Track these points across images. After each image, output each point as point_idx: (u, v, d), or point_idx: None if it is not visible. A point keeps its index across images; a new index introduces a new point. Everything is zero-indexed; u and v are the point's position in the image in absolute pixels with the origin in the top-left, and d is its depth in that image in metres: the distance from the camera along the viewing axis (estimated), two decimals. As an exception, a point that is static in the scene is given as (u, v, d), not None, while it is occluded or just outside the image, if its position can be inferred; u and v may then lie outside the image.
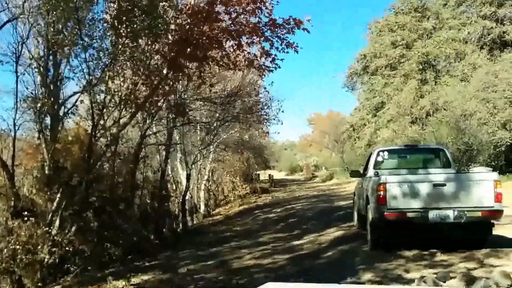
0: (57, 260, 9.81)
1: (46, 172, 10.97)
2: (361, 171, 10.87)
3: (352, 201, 12.20)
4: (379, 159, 9.97)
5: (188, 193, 21.25)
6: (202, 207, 25.01)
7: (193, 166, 22.33)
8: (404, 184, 7.94)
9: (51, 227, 10.17)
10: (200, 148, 21.56)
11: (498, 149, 21.49)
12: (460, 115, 22.04)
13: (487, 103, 22.07)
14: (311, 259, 9.05)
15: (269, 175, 36.76)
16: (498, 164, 19.44)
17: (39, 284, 9.33)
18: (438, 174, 8.67)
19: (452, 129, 21.41)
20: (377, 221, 8.17)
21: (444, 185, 7.87)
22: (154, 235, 14.99)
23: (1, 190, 10.27)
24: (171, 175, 22.29)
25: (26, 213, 9.93)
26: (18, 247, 9.37)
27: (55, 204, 10.45)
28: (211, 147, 23.50)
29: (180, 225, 19.24)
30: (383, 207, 7.88)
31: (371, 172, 9.52)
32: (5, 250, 9.32)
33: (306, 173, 43.29)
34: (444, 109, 24.42)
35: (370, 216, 8.53)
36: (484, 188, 7.77)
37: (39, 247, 9.64)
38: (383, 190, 7.89)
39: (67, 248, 10.07)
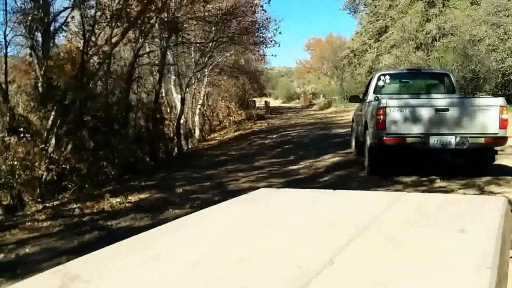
0: (54, 177, 10.00)
1: (40, 90, 10.87)
2: (360, 96, 10.67)
3: (350, 128, 12.08)
4: (380, 83, 9.70)
5: (182, 118, 21.10)
6: (197, 132, 24.94)
7: (187, 89, 22.04)
8: (405, 108, 7.72)
9: (47, 145, 10.24)
10: (194, 71, 21.16)
11: (506, 78, 20.39)
12: (468, 41, 21.05)
13: (497, 28, 20.88)
14: (307, 183, 9.01)
15: (265, 101, 36.55)
16: (506, 94, 18.60)
17: (38, 199, 9.49)
18: (441, 99, 8.41)
19: (458, 56, 20.62)
20: (375, 147, 8.05)
21: (447, 110, 7.66)
22: (149, 156, 15.03)
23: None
24: (165, 99, 22.06)
25: (21, 129, 9.95)
26: (16, 163, 9.50)
27: (50, 122, 10.49)
28: (206, 70, 23.11)
29: (175, 148, 19.23)
30: (382, 132, 7.72)
31: (371, 96, 9.31)
32: (4, 166, 9.41)
33: (303, 101, 43.04)
34: (451, 34, 23.34)
35: (368, 141, 8.40)
36: (489, 114, 7.54)
37: (37, 164, 9.78)
38: (382, 114, 7.70)
39: (63, 166, 10.22)
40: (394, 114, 7.71)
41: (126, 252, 1.54)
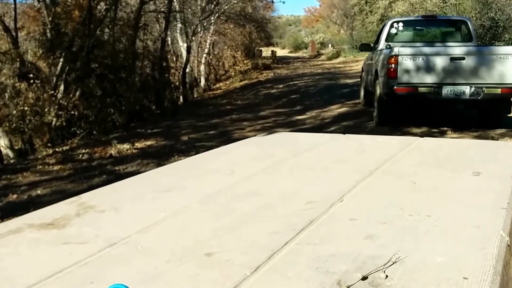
0: (63, 123, 10.12)
1: (48, 36, 10.82)
2: (372, 45, 10.42)
3: (359, 78, 11.91)
4: (393, 31, 9.34)
5: (188, 66, 20.91)
6: (203, 81, 24.75)
7: (193, 38, 21.75)
8: (418, 57, 7.47)
9: (56, 91, 10.31)
10: (200, 19, 20.81)
11: None
12: (488, -14, 20.28)
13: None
14: (314, 133, 8.96)
15: (272, 51, 36.05)
16: None
17: (48, 144, 9.61)
18: (457, 47, 8.02)
19: (477, 3, 19.77)
20: (385, 96, 7.88)
21: (462, 59, 7.39)
22: (155, 105, 15.02)
23: (6, 55, 10.23)
24: (171, 47, 21.83)
25: (31, 76, 9.99)
26: (26, 108, 9.58)
27: (58, 68, 10.50)
28: (212, 18, 22.73)
29: (181, 97, 19.16)
30: (393, 81, 7.52)
31: (382, 45, 9.05)
32: (15, 111, 9.51)
33: (311, 51, 42.36)
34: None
35: (378, 91, 8.23)
36: (507, 63, 7.20)
37: (46, 110, 9.86)
38: (394, 63, 7.48)
39: (72, 112, 10.32)
40: (407, 62, 7.48)
41: (139, 185, 1.56)
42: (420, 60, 7.44)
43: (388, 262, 0.93)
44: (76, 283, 0.91)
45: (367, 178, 1.54)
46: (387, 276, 0.88)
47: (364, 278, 0.88)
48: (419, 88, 7.44)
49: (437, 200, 1.30)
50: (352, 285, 0.86)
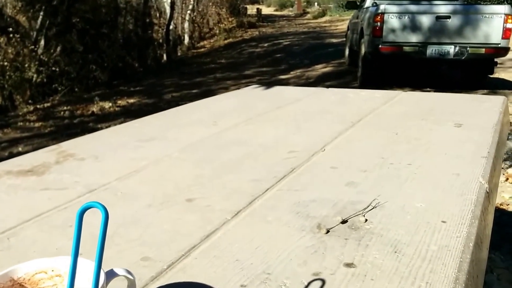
0: (44, 80, 9.97)
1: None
2: (358, 3, 10.33)
3: (344, 38, 11.84)
4: None
5: (172, 23, 20.57)
6: (187, 39, 24.39)
7: (178, -6, 21.38)
8: (404, 15, 7.45)
9: (37, 47, 10.11)
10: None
11: None
12: None
13: None
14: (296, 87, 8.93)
15: (257, 9, 35.56)
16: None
17: (29, 101, 9.49)
18: (443, 6, 8.00)
19: None
20: (370, 55, 7.89)
21: (448, 17, 7.39)
22: (138, 62, 14.84)
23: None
24: (154, 3, 21.42)
25: (10, 30, 9.76)
26: (6, 64, 9.40)
27: (38, 23, 10.28)
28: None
29: (164, 55, 18.91)
30: (379, 39, 7.52)
31: (368, 2, 8.99)
32: (-6, 66, 9.35)
33: (296, 9, 41.87)
34: None
35: (363, 50, 8.22)
36: (492, 23, 7.25)
37: (26, 65, 9.69)
38: (380, 21, 7.46)
39: (53, 68, 10.17)
40: (393, 21, 7.45)
41: (121, 135, 1.54)
42: (406, 19, 7.43)
43: (368, 207, 0.94)
44: (55, 226, 0.91)
45: (349, 129, 1.54)
46: (366, 220, 0.89)
47: (344, 221, 0.89)
48: (404, 47, 7.46)
49: (419, 150, 1.30)
50: (332, 228, 0.86)
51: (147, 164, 1.25)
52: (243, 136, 1.49)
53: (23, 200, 1.04)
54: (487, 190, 1.03)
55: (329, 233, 0.85)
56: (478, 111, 1.77)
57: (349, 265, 0.74)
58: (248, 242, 0.83)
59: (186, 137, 1.49)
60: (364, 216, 0.91)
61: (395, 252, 0.78)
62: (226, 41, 23.30)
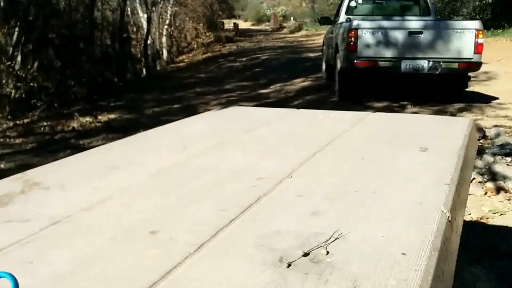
0: (23, 95, 9.92)
1: (2, 5, 10.50)
2: (332, 18, 10.44)
3: (321, 52, 11.95)
4: (352, 4, 9.38)
5: (150, 38, 20.56)
6: (165, 54, 24.40)
7: (153, 8, 21.37)
8: (378, 31, 7.55)
9: (13, 62, 10.04)
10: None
11: (484, 1, 19.19)
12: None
13: None
14: (277, 107, 8.95)
15: (234, 23, 35.74)
16: (483, 18, 17.72)
17: (9, 117, 9.40)
18: (415, 21, 8.18)
19: None
20: (346, 70, 7.96)
21: (420, 33, 7.50)
22: (117, 77, 14.79)
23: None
24: (131, 18, 21.40)
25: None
26: (-18, 82, 9.31)
27: (14, 39, 10.22)
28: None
29: (144, 70, 18.89)
30: (353, 55, 7.60)
31: (342, 18, 9.09)
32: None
33: (273, 24, 42.16)
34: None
35: (339, 65, 8.30)
36: (464, 38, 7.37)
37: (4, 81, 9.62)
38: (354, 36, 7.54)
39: (31, 84, 10.15)
40: (366, 36, 7.55)
41: (87, 162, 1.53)
42: (379, 34, 7.53)
43: (330, 238, 0.94)
44: (16, 263, 0.90)
45: (317, 154, 1.55)
46: (328, 253, 0.89)
47: (306, 254, 0.89)
48: (379, 62, 7.55)
49: (384, 176, 1.32)
50: (293, 261, 0.87)
51: (112, 193, 1.24)
52: (211, 162, 1.49)
53: (-16, 234, 1.03)
54: (449, 218, 1.05)
55: (290, 267, 0.85)
56: (444, 134, 1.79)
57: (308, 302, 0.75)
58: (210, 277, 0.82)
59: (153, 163, 1.48)
60: (326, 248, 0.91)
61: (354, 287, 0.78)
62: (204, 56, 23.35)
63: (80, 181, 1.35)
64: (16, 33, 10.32)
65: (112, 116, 8.90)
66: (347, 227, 0.99)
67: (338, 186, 1.24)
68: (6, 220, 1.09)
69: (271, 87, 11.45)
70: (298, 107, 8.72)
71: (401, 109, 7.66)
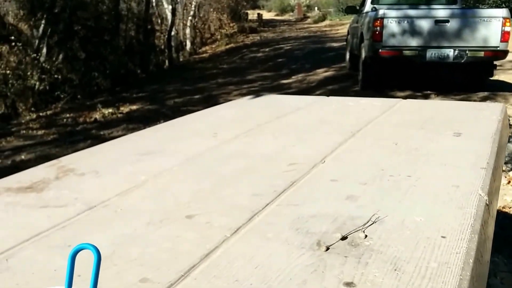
0: (47, 87, 10.05)
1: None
2: (357, 7, 10.35)
3: (344, 42, 11.85)
4: None
5: (173, 29, 20.62)
6: (188, 45, 24.45)
7: (178, 0, 21.42)
8: (404, 20, 7.49)
9: (39, 54, 10.18)
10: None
11: None
12: None
13: None
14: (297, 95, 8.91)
15: (258, 14, 35.62)
16: (510, 7, 17.61)
17: (32, 109, 9.56)
18: (441, 10, 8.05)
19: None
20: (370, 60, 7.91)
21: (447, 21, 7.41)
22: (140, 68, 14.88)
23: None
24: (156, 9, 21.48)
25: (13, 38, 9.85)
26: (8, 72, 9.47)
27: (40, 31, 10.35)
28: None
29: (166, 61, 18.96)
30: (378, 44, 7.54)
31: (368, 7, 9.00)
32: (-4, 74, 9.44)
33: (297, 14, 41.90)
34: None
35: (363, 54, 8.24)
36: (490, 26, 7.27)
37: (29, 73, 9.78)
38: (379, 25, 7.48)
39: (56, 76, 10.24)
40: (392, 25, 7.49)
41: (120, 148, 1.54)
42: (405, 23, 7.46)
43: (368, 222, 0.94)
44: (54, 246, 0.91)
45: (349, 139, 1.54)
46: (366, 236, 0.89)
47: (344, 238, 0.88)
48: (404, 51, 7.49)
49: (418, 161, 1.30)
50: (331, 245, 0.86)
51: (146, 178, 1.25)
52: (243, 148, 1.49)
53: (22, 218, 1.04)
54: (487, 202, 1.03)
55: (328, 251, 0.85)
56: (477, 119, 1.76)
57: (349, 284, 0.74)
58: (248, 260, 0.82)
59: (185, 150, 1.49)
60: (364, 232, 0.90)
61: (395, 270, 0.77)
62: (227, 46, 23.33)
63: (114, 167, 1.36)
64: (42, 25, 10.44)
65: (134, 107, 8.97)
66: (384, 211, 0.99)
67: (372, 170, 1.23)
68: (43, 205, 1.11)
69: (293, 77, 11.40)
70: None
71: (424, 98, 7.55)
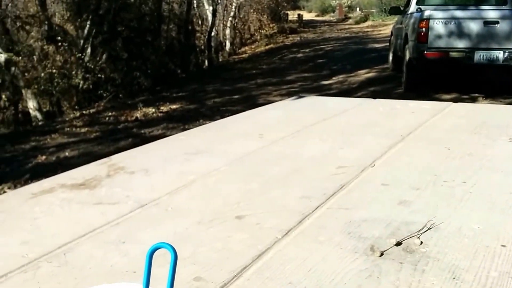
0: (91, 86, 10.25)
1: (75, -1, 10.91)
2: (402, 8, 10.18)
3: (388, 43, 11.69)
4: None
5: (214, 30, 20.76)
6: (228, 45, 24.57)
7: (219, 1, 21.57)
8: (450, 21, 7.31)
9: (83, 54, 10.39)
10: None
11: None
12: None
13: None
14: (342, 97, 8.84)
15: (298, 14, 35.52)
16: None
17: (76, 107, 9.76)
18: (491, 11, 7.75)
19: None
20: (415, 61, 7.75)
21: (496, 23, 7.20)
22: (181, 68, 15.03)
23: (34, 18, 10.35)
24: (197, 10, 21.68)
25: (59, 38, 10.10)
26: (54, 71, 9.71)
27: (85, 31, 10.57)
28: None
29: (206, 61, 19.10)
30: (424, 45, 7.37)
31: (413, 8, 8.82)
32: (43, 73, 9.66)
33: (338, 14, 41.58)
34: None
35: (407, 55, 8.07)
36: None
37: (73, 72, 9.98)
38: (425, 26, 7.32)
39: (99, 75, 10.44)
40: (438, 26, 7.32)
41: (169, 148, 1.55)
42: (452, 24, 7.28)
43: (423, 228, 0.91)
44: (109, 242, 0.92)
45: (399, 143, 1.51)
46: (421, 242, 0.87)
47: (398, 243, 0.87)
48: (451, 53, 7.30)
49: (473, 167, 1.27)
50: (385, 250, 0.84)
51: (195, 178, 1.26)
52: (290, 150, 1.48)
53: (77, 214, 1.06)
54: (548, 211, 0.99)
55: (383, 256, 0.83)
56: (533, 124, 1.71)
57: (406, 291, 0.72)
58: (301, 263, 0.82)
59: (232, 150, 1.49)
60: (419, 238, 0.88)
61: (454, 278, 0.75)
62: (267, 47, 23.33)
63: (163, 166, 1.38)
64: (87, 26, 10.67)
65: (174, 106, 9.05)
66: (439, 217, 0.96)
67: (425, 175, 1.21)
68: (96, 202, 1.12)
69: (334, 78, 11.30)
70: (362, 98, 8.60)
71: (472, 101, 7.37)
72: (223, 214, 1.03)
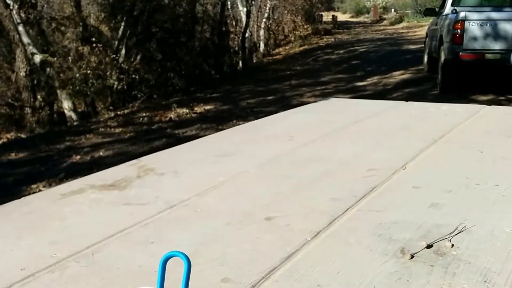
0: (125, 87, 10.35)
1: (110, 0, 11.03)
2: (437, 9, 10.05)
3: (422, 44, 11.54)
4: None
5: (247, 31, 20.82)
6: (262, 46, 24.60)
7: (253, 2, 21.62)
8: (486, 22, 7.19)
9: (118, 55, 10.53)
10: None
11: None
12: None
13: None
14: (374, 99, 8.75)
15: (333, 16, 35.33)
16: None
17: (110, 107, 9.90)
18: None
19: None
20: (450, 63, 7.64)
21: None
22: (215, 69, 15.10)
23: (69, 19, 10.55)
24: (230, 11, 21.78)
25: (94, 39, 10.26)
26: (89, 71, 9.86)
27: (120, 32, 10.71)
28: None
29: (240, 62, 19.16)
30: (459, 47, 7.27)
31: (448, 9, 8.70)
32: (78, 74, 9.83)
33: (373, 15, 41.20)
34: None
35: (442, 57, 7.97)
36: None
37: (108, 73, 10.12)
38: (460, 28, 7.21)
39: (133, 76, 10.55)
40: (473, 28, 7.21)
41: (198, 150, 1.57)
42: (487, 26, 7.15)
43: (454, 231, 0.90)
44: (137, 243, 0.93)
45: (431, 146, 1.49)
46: (453, 245, 0.85)
47: (429, 246, 0.86)
48: (486, 55, 7.17)
49: (506, 170, 1.24)
50: (416, 253, 0.83)
51: (224, 180, 1.26)
52: (320, 152, 1.48)
53: (106, 215, 1.08)
54: None
55: (413, 259, 0.82)
56: None
57: (435, 295, 0.71)
58: (329, 265, 0.81)
59: (262, 152, 1.49)
60: (450, 241, 0.87)
61: (485, 281, 0.74)
62: (301, 48, 23.26)
63: (192, 167, 1.39)
64: (121, 27, 10.82)
65: (207, 107, 9.10)
66: (471, 220, 0.94)
67: (457, 178, 1.19)
68: (125, 203, 1.14)
69: (368, 79, 11.18)
70: (396, 99, 8.49)
71: (509, 103, 7.22)
72: (252, 215, 1.03)
